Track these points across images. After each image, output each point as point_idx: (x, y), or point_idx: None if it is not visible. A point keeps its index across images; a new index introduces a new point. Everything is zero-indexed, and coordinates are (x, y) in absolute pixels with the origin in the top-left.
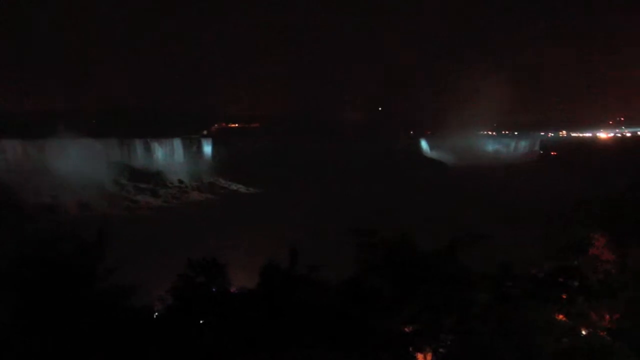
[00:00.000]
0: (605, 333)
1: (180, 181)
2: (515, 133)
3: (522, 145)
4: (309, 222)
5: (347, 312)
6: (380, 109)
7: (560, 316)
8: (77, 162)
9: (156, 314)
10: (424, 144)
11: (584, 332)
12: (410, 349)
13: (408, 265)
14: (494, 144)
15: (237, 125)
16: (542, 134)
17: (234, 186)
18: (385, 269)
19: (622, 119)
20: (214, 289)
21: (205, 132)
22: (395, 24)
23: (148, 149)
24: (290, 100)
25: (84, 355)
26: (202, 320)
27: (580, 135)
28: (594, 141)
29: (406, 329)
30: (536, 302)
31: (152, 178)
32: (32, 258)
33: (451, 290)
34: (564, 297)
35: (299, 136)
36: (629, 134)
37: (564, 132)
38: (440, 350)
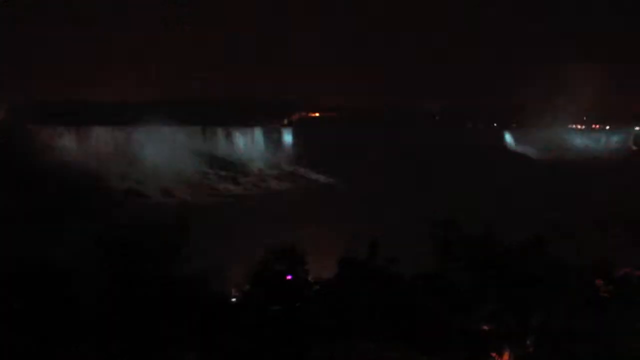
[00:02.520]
0: None
1: (261, 170)
2: (607, 127)
3: (614, 140)
4: (388, 214)
5: (424, 307)
6: (463, 101)
7: None
8: (161, 149)
9: (234, 299)
10: (508, 137)
11: None
12: (488, 348)
13: (490, 260)
14: (583, 139)
15: (317, 114)
16: (637, 128)
17: (314, 176)
18: (466, 264)
19: None
20: (291, 277)
21: (285, 122)
22: (479, 15)
23: (229, 138)
24: (372, 91)
25: (165, 335)
26: (279, 307)
27: None
28: None
29: (485, 327)
30: (626, 305)
31: (233, 166)
32: (118, 241)
33: (537, 290)
34: None
35: (380, 127)
36: None
37: None
38: (519, 352)
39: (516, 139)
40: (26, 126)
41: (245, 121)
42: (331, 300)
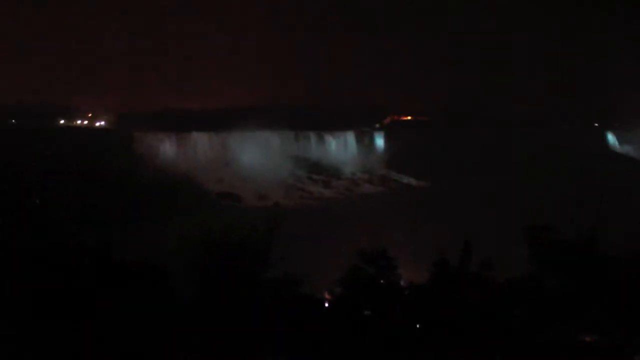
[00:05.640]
0: None
1: (353, 173)
2: None
3: None
4: (481, 216)
5: (520, 315)
6: (561, 98)
7: None
8: (255, 154)
9: (326, 303)
10: (610, 137)
11: None
12: None
13: (592, 266)
14: None
15: (409, 118)
16: None
17: (406, 179)
18: (565, 270)
19: None
20: (382, 281)
21: (377, 125)
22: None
23: (322, 142)
24: (463, 92)
25: (256, 338)
26: (370, 311)
27: None
28: None
29: (586, 339)
30: None
31: (326, 170)
32: (211, 243)
33: None
34: None
35: (471, 129)
36: None
37: None
38: None
39: (620, 139)
40: (131, 132)
41: (338, 125)
42: (423, 305)
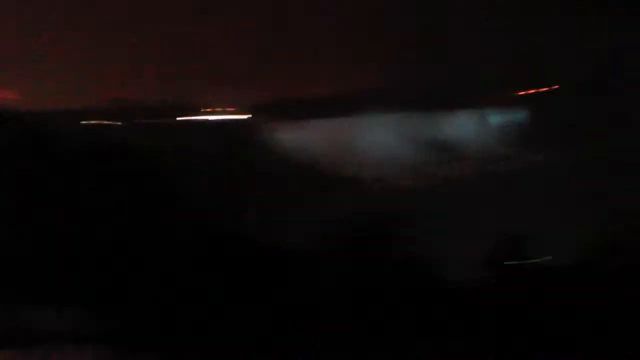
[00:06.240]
0: None
1: (481, 153)
2: None
3: None
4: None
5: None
6: None
7: None
8: (378, 136)
9: (455, 287)
10: None
11: None
12: None
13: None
14: None
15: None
16: None
17: (540, 158)
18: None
19: None
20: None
21: (507, 102)
22: None
23: (447, 121)
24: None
25: (393, 321)
26: (503, 296)
27: None
28: None
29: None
30: None
31: (451, 151)
32: (329, 232)
33: None
34: None
35: (604, 102)
36: None
37: None
38: None
39: None
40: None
41: (464, 104)
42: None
